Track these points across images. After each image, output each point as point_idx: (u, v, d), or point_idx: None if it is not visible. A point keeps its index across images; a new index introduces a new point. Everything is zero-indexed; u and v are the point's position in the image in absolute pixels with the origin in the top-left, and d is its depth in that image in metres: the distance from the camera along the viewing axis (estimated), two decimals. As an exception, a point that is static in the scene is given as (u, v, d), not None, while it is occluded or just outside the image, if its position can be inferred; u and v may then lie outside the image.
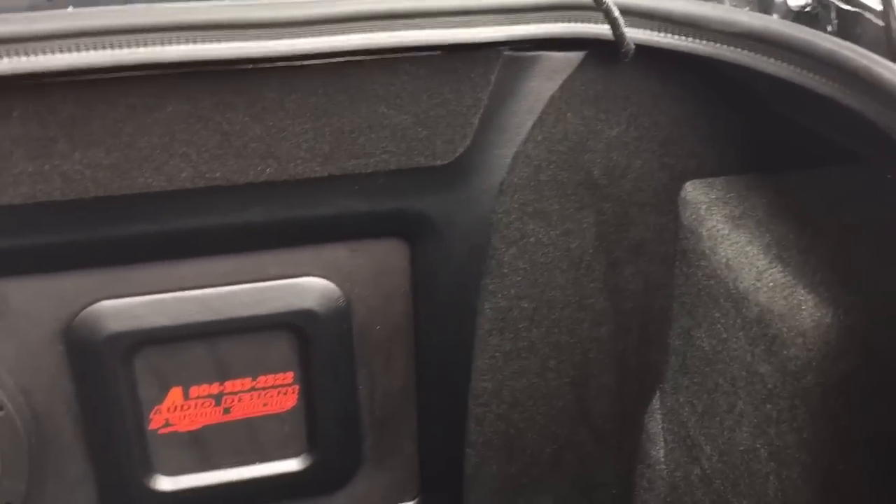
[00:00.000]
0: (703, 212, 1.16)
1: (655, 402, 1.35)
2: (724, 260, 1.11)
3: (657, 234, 1.23)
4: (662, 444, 1.34)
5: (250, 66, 1.00)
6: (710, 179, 1.20)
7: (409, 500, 1.40)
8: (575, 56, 1.11)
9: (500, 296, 1.23)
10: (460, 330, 1.25)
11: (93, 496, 1.25)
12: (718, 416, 1.18)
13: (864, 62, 0.87)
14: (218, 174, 1.07)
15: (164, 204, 1.07)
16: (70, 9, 0.96)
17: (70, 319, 1.14)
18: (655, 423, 1.35)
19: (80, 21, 0.91)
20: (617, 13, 1.00)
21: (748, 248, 1.08)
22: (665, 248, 1.24)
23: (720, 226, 1.13)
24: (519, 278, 1.22)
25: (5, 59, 0.90)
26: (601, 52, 1.09)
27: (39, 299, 1.12)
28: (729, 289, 1.09)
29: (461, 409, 1.30)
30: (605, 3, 0.99)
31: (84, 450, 1.22)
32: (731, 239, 1.11)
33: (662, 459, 1.34)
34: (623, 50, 1.05)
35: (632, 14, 1.04)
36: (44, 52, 0.91)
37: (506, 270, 1.21)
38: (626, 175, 1.19)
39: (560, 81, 1.12)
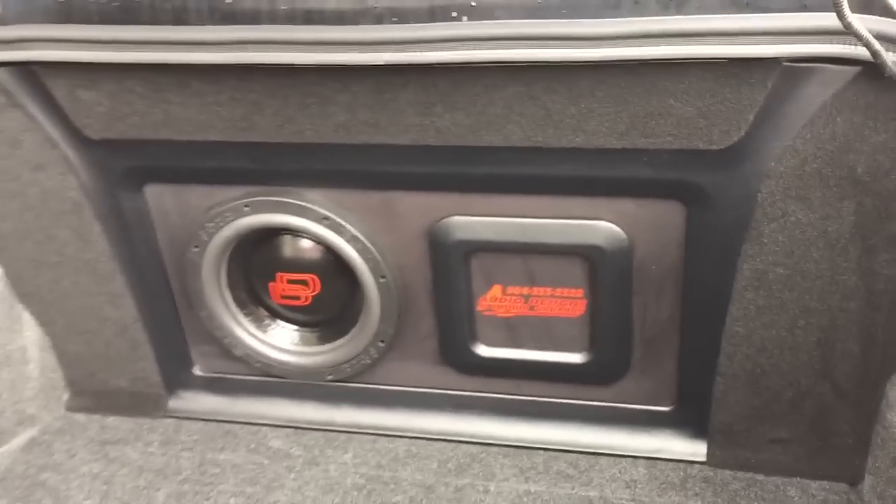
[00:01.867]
0: (958, 218, 1.28)
1: (899, 375, 1.50)
2: None
3: None
4: (899, 412, 1.50)
5: (573, 64, 1.34)
6: None
7: (665, 406, 1.73)
8: (849, 70, 1.27)
9: (758, 260, 1.46)
10: (721, 281, 1.51)
11: (435, 348, 1.77)
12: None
13: None
14: (540, 139, 1.44)
15: (501, 155, 1.48)
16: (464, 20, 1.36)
17: (432, 225, 1.62)
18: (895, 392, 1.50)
19: (457, 30, 1.32)
20: (877, 46, 1.16)
21: None
22: None
23: None
24: (777, 248, 1.44)
25: (411, 54, 1.34)
26: (874, 69, 1.24)
27: (414, 208, 1.61)
28: None
29: (715, 344, 1.57)
30: (864, 37, 1.15)
31: (433, 314, 1.73)
32: None
33: (896, 425, 1.50)
34: (886, 74, 1.20)
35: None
36: (432, 50, 1.34)
37: (765, 241, 1.44)
38: (890, 175, 1.33)
39: (833, 91, 1.29)
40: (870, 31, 1.16)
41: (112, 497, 1.74)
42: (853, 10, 1.19)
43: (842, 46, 1.24)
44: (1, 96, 1.56)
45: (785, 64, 1.29)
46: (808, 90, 1.31)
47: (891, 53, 1.20)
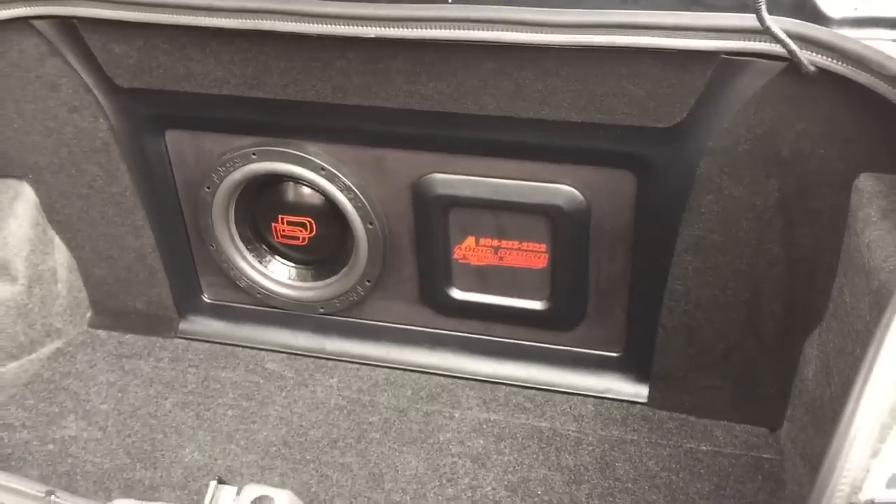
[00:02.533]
0: (864, 199, 1.48)
1: (815, 335, 1.71)
2: (866, 240, 1.43)
3: (833, 209, 1.56)
4: (813, 367, 1.71)
5: (541, 46, 1.53)
6: (880, 175, 1.49)
7: (614, 352, 1.95)
8: (777, 65, 1.46)
9: (695, 227, 1.67)
10: (664, 244, 1.72)
11: (415, 289, 1.99)
12: (844, 356, 1.53)
13: None
14: (511, 110, 1.64)
15: (477, 122, 1.68)
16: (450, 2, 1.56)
17: (416, 180, 1.83)
18: (812, 350, 1.72)
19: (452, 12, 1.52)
20: (792, 46, 1.35)
21: (887, 236, 1.40)
22: (838, 221, 1.56)
23: (873, 214, 1.45)
24: (712, 217, 1.65)
25: (402, 30, 1.55)
26: (796, 65, 1.43)
27: (400, 164, 1.82)
28: (865, 263, 1.43)
29: (659, 299, 1.79)
30: (780, 37, 1.34)
31: (414, 260, 1.95)
32: (877, 225, 1.43)
33: (811, 378, 1.71)
34: (803, 70, 1.39)
35: (812, 44, 1.38)
36: (420, 28, 1.54)
37: (703, 210, 1.65)
38: (811, 159, 1.53)
39: (763, 82, 1.48)
40: (787, 32, 1.36)
41: (125, 402, 1.99)
42: (784, 14, 1.39)
43: (770, 44, 1.43)
44: (43, 45, 1.78)
45: (722, 56, 1.48)
46: (741, 81, 1.50)
47: (806, 52, 1.39)
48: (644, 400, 1.92)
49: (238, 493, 1.20)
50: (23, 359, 2.09)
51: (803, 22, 1.40)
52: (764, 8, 1.29)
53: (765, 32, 1.37)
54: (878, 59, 1.32)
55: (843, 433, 0.94)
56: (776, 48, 1.43)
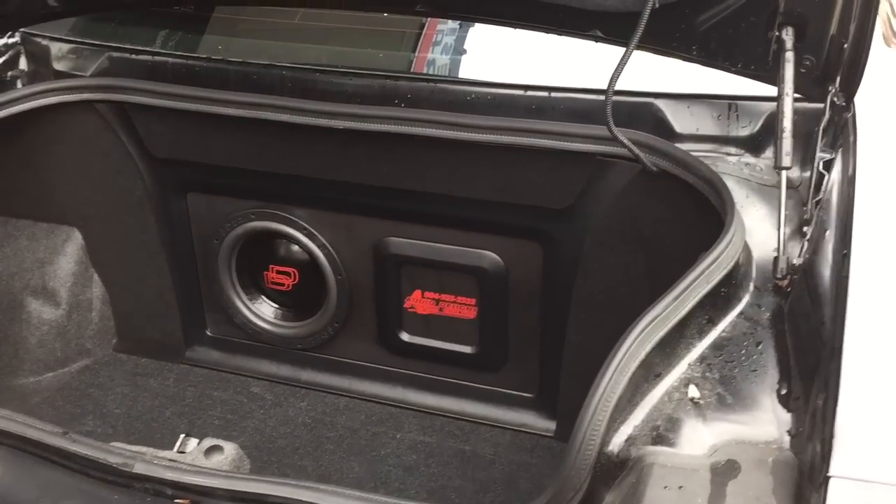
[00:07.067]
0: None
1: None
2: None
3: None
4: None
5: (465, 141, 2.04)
6: None
7: (530, 393, 2.37)
8: (637, 165, 1.94)
9: (585, 289, 2.12)
10: (564, 302, 2.17)
11: (374, 331, 2.46)
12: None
13: None
14: (445, 188, 2.14)
15: (422, 197, 2.18)
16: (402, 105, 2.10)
17: (377, 241, 2.32)
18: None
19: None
20: (636, 151, 1.83)
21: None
22: None
23: None
24: (597, 281, 2.10)
25: (364, 124, 2.07)
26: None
27: (365, 228, 2.32)
28: None
29: (561, 349, 2.21)
30: (625, 143, 1.81)
31: (374, 305, 2.42)
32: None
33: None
34: (646, 169, 1.87)
35: (651, 150, 1.85)
36: (378, 123, 2.06)
37: (590, 276, 2.10)
38: (665, 239, 1.98)
39: (628, 178, 1.96)
40: (634, 141, 1.84)
41: (134, 409, 2.46)
42: (632, 127, 1.88)
43: (617, 149, 1.90)
44: (100, 122, 2.34)
45: (598, 157, 1.97)
46: (613, 176, 1.98)
47: (651, 157, 1.87)
48: (552, 434, 2.33)
49: (199, 443, 1.65)
50: (57, 371, 2.58)
51: (647, 133, 1.89)
52: (611, 121, 1.77)
53: (614, 139, 1.84)
54: (694, 163, 1.80)
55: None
56: (622, 152, 1.90)
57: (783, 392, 1.42)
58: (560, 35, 1.95)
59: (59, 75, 2.42)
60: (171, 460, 1.56)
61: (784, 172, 1.67)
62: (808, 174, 1.72)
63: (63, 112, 2.32)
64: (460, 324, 2.35)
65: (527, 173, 2.05)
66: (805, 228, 1.64)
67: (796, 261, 1.59)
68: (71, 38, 2.44)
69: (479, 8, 2.02)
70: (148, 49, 2.36)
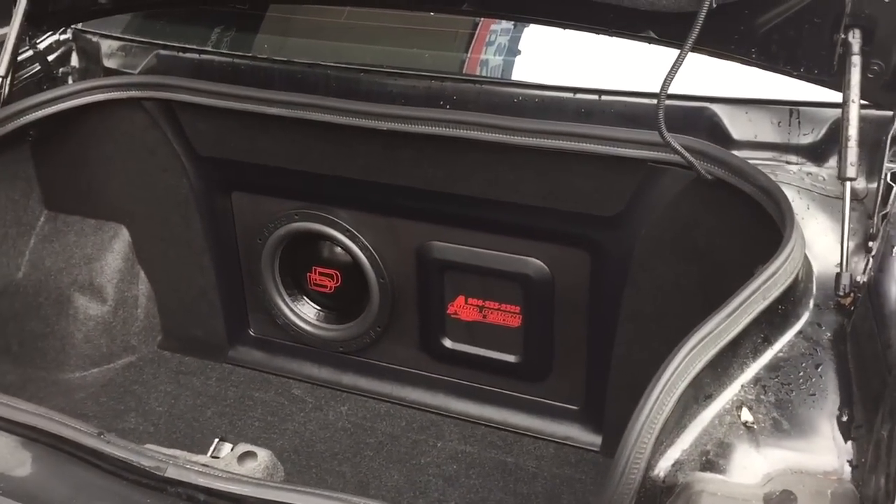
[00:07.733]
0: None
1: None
2: None
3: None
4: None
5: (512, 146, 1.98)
6: None
7: (575, 405, 2.30)
8: (691, 173, 1.85)
9: (634, 300, 2.04)
10: (611, 313, 2.09)
11: (416, 337, 2.41)
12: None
13: None
14: (491, 193, 2.08)
15: (467, 201, 2.12)
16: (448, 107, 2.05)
17: (420, 245, 2.28)
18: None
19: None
20: (690, 158, 1.75)
21: None
22: None
23: None
24: (646, 292, 2.02)
25: (409, 126, 2.03)
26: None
27: (408, 231, 2.28)
28: None
29: (608, 360, 2.14)
30: (679, 151, 1.72)
31: (417, 310, 2.37)
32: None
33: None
34: (700, 177, 1.78)
35: (706, 157, 1.77)
36: (423, 125, 2.01)
37: (639, 286, 2.02)
38: (719, 250, 1.89)
39: (682, 186, 1.87)
40: (687, 147, 1.76)
41: (176, 407, 2.46)
42: (686, 132, 1.79)
43: (673, 156, 1.82)
44: (148, 120, 2.34)
45: (649, 164, 1.89)
46: (665, 184, 1.90)
47: (705, 164, 1.78)
48: (597, 448, 2.26)
49: (232, 449, 1.63)
50: (103, 366, 2.59)
51: (701, 140, 1.81)
52: (664, 126, 1.69)
53: (666, 145, 1.76)
54: (751, 171, 1.71)
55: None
56: (678, 159, 1.82)
57: (844, 419, 1.33)
58: (612, 36, 1.88)
59: (109, 72, 2.42)
60: (203, 465, 1.53)
61: (848, 183, 1.58)
62: (874, 186, 1.64)
63: (111, 109, 2.33)
64: (504, 332, 2.29)
65: (574, 179, 1.98)
66: (870, 243, 1.55)
67: (860, 277, 1.50)
68: (120, 36, 2.45)
69: (527, 8, 1.96)
70: (195, 47, 2.35)
